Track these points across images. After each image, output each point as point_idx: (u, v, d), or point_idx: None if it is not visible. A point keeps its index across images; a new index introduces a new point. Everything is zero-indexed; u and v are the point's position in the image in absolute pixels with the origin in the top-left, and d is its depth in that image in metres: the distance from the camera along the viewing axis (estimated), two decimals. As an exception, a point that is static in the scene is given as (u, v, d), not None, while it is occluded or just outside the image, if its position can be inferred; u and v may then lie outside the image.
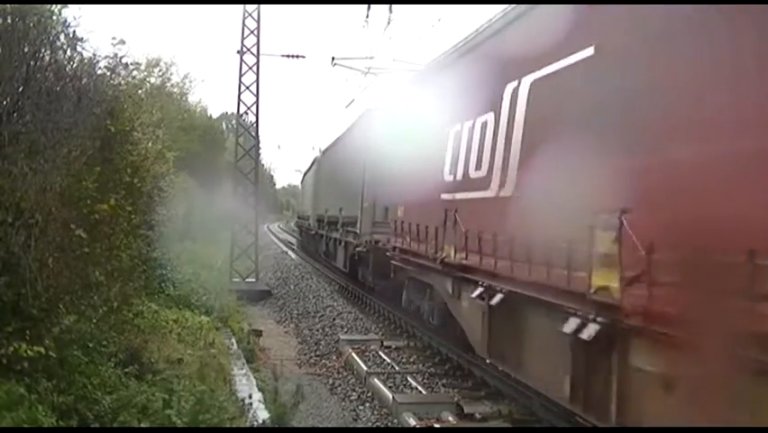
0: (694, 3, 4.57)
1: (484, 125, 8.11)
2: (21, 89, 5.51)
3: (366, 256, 15.97)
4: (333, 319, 15.39)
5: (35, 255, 5.21)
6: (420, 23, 73.95)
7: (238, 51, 20.84)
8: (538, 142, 6.59)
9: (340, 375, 10.72)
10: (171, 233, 13.77)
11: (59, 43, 6.05)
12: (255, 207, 21.39)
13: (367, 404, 9.19)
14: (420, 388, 9.59)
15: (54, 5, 6.08)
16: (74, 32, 6.19)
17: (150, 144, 8.45)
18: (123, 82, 7.49)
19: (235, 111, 22.06)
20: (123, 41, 6.93)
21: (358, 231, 16.62)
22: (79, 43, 6.26)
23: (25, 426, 4.32)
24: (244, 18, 20.64)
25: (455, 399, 8.77)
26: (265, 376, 9.68)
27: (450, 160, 9.30)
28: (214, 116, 48.16)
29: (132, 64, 7.52)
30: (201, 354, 8.91)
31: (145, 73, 21.64)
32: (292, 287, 21.22)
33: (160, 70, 28.31)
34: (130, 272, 7.62)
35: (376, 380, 9.81)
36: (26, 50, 5.64)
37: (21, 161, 5.25)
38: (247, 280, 20.10)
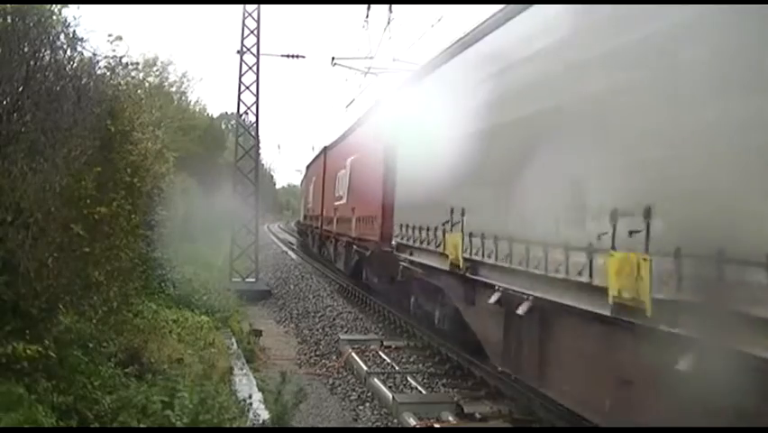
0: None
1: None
2: (21, 89, 5.51)
3: None
4: (333, 319, 15.39)
5: (35, 255, 5.21)
6: (420, 23, 73.90)
7: (238, 51, 20.82)
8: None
9: (340, 375, 10.72)
10: (171, 233, 13.76)
11: (59, 43, 6.04)
12: (255, 207, 21.37)
13: (367, 404, 9.19)
14: (420, 388, 9.58)
15: (54, 5, 6.08)
16: (74, 31, 6.20)
17: (149, 144, 8.43)
18: (122, 82, 7.48)
19: (235, 111, 22.06)
20: (119, 38, 6.89)
21: None
22: (79, 43, 6.26)
23: (25, 426, 4.32)
24: (244, 18, 20.62)
25: (455, 399, 8.76)
26: (265, 376, 9.67)
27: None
28: (214, 116, 48.21)
29: (131, 64, 7.51)
30: (201, 354, 8.91)
31: (143, 73, 21.60)
32: (292, 287, 21.21)
33: (156, 69, 28.34)
34: (130, 272, 7.62)
35: (376, 380, 9.80)
36: (26, 49, 5.64)
37: (21, 161, 5.25)
38: (247, 279, 20.07)
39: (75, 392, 5.15)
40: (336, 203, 20.80)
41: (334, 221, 21.04)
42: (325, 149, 26.01)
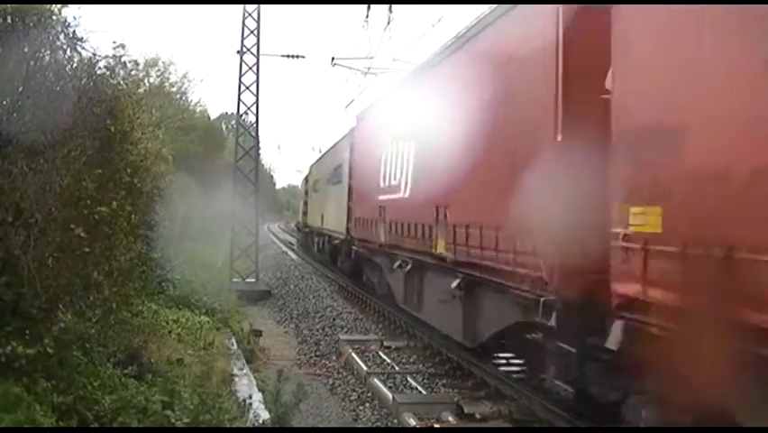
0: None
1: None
2: (21, 89, 5.51)
3: None
4: (333, 319, 15.39)
5: (35, 255, 5.20)
6: (420, 23, 73.95)
7: (238, 51, 20.82)
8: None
9: (340, 375, 10.72)
10: (171, 233, 13.76)
11: (58, 43, 6.04)
12: (255, 207, 21.36)
13: (367, 404, 9.19)
14: (420, 388, 9.58)
15: (54, 5, 6.07)
16: (74, 31, 6.19)
17: (149, 144, 8.44)
18: (122, 82, 7.48)
19: (235, 111, 22.06)
20: (123, 45, 6.90)
21: None
22: (79, 43, 6.25)
23: (25, 426, 4.32)
24: (244, 18, 20.63)
25: (455, 399, 8.77)
26: (265, 376, 9.67)
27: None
28: (214, 116, 48.22)
29: (130, 62, 7.50)
30: (201, 354, 8.91)
31: (143, 73, 21.62)
32: (292, 287, 21.22)
33: (158, 70, 28.36)
34: (129, 273, 7.61)
35: (376, 380, 9.80)
36: (26, 50, 5.64)
37: (21, 161, 5.25)
38: (247, 280, 20.07)
39: (74, 392, 5.15)
40: None
41: None
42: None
